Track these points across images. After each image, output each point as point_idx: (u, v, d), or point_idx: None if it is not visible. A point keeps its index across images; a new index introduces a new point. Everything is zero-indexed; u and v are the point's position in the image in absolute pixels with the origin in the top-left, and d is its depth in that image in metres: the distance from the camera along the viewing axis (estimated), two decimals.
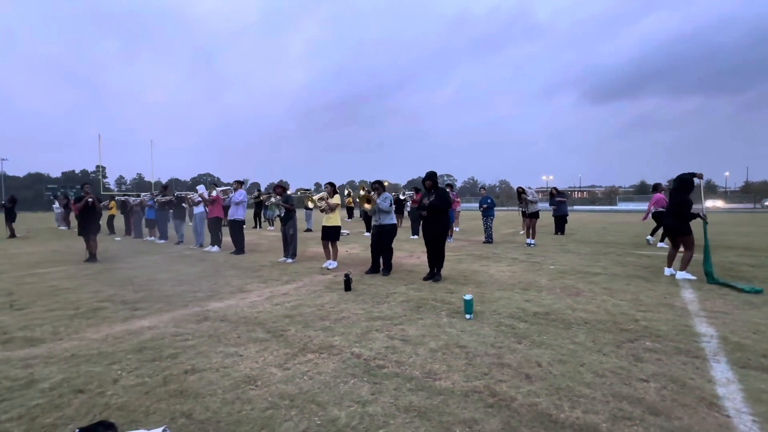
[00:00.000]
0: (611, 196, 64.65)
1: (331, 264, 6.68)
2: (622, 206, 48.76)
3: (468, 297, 3.85)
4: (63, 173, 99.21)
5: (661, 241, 8.98)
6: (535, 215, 9.51)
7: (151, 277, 6.05)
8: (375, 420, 2.09)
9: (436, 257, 5.65)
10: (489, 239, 10.08)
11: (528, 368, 2.70)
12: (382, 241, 6.25)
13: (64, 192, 19.79)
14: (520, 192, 9.83)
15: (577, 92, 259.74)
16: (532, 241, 9.38)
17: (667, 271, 5.69)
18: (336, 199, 6.74)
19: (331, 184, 6.87)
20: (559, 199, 11.81)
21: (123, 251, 9.41)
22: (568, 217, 12.36)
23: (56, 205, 17.90)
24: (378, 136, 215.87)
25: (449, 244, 9.09)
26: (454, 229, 12.64)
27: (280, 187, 7.63)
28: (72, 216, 17.58)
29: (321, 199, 6.64)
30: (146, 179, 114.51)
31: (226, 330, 3.55)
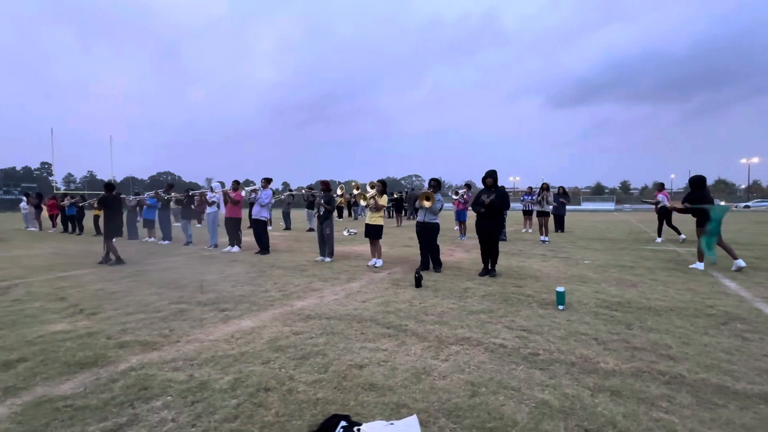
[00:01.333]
0: (575, 196, 68.41)
1: (378, 262, 6.72)
2: (586, 206, 51.84)
3: (561, 289, 4.09)
4: (1, 170, 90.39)
5: (659, 235, 9.77)
6: (548, 213, 10.01)
7: (200, 278, 5.82)
8: (581, 401, 2.25)
9: (491, 253, 5.86)
10: (503, 237, 10.47)
11: (662, 350, 2.96)
12: (429, 238, 6.38)
13: (37, 191, 18.16)
14: (545, 188, 10.28)
15: (541, 98, 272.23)
16: (546, 239, 9.88)
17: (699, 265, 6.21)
18: (383, 200, 6.79)
19: (382, 182, 6.92)
20: (562, 200, 12.47)
21: (135, 253, 8.87)
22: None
23: (24, 204, 16.41)
24: (347, 135, 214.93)
25: (463, 242, 9.34)
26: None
27: (325, 184, 7.52)
28: (42, 215, 16.26)
29: (372, 197, 6.66)
30: (98, 177, 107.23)
31: (341, 327, 3.55)
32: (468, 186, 12.19)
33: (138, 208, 12.04)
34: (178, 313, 4.00)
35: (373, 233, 6.78)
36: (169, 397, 2.31)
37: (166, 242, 10.65)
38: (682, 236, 9.42)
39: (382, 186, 6.87)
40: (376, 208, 6.72)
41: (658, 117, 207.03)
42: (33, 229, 16.00)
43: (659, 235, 9.84)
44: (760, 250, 8.42)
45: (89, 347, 3.07)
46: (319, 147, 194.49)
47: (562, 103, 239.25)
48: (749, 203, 45.66)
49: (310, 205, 15.13)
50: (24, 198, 16.37)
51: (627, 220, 21.14)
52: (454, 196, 10.89)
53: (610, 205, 50.47)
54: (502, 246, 9.35)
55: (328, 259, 7.28)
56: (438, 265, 6.28)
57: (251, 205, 9.38)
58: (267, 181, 8.69)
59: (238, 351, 2.99)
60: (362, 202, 6.74)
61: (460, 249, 9.11)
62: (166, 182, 7.22)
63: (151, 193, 11.18)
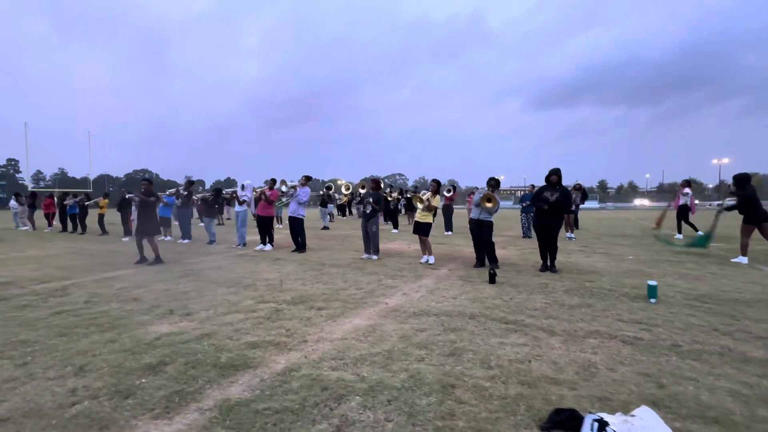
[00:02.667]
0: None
1: (430, 259, 6.71)
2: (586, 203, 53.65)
3: (654, 283, 4.20)
4: None
5: (679, 232, 10.13)
6: (573, 211, 10.23)
7: (263, 277, 5.65)
8: (762, 387, 2.32)
9: (550, 249, 5.95)
10: (528, 234, 10.65)
11: None
12: (483, 235, 6.43)
13: (32, 189, 17.13)
14: (578, 188, 10.49)
15: (523, 99, 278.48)
16: (572, 235, 10.11)
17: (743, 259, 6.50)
18: (436, 201, 6.78)
19: (436, 182, 6.91)
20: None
21: (163, 253, 8.51)
22: None
23: (13, 203, 15.49)
24: (332, 133, 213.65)
25: (498, 240, 9.42)
26: None
27: (376, 183, 7.43)
28: (35, 215, 15.44)
29: (427, 198, 6.64)
30: (70, 175, 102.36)
31: (458, 324, 3.52)
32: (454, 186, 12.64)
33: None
34: (276, 312, 3.88)
35: (423, 230, 6.77)
36: (358, 397, 2.24)
37: (186, 241, 10.29)
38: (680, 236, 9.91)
39: (437, 186, 6.86)
40: (429, 208, 6.70)
41: (632, 119, 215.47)
42: (25, 228, 15.14)
43: (679, 232, 10.21)
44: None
45: (223, 349, 2.93)
46: (303, 145, 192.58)
47: (543, 104, 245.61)
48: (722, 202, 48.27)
49: (324, 203, 14.95)
50: (13, 197, 15.45)
51: (626, 218, 21.88)
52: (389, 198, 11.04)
53: (595, 204, 52.23)
54: (528, 242, 9.48)
55: (374, 257, 7.22)
56: (494, 261, 6.33)
57: (256, 201, 9.21)
58: (306, 179, 8.53)
59: (381, 349, 2.92)
60: (419, 205, 6.71)
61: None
62: (144, 179, 6.93)
63: (173, 190, 10.77)
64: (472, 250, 8.25)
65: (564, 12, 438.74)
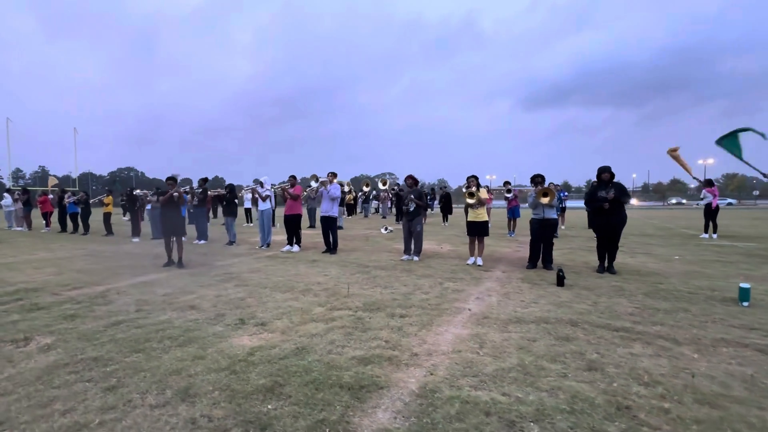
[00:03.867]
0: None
1: (479, 260, 6.45)
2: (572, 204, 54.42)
3: (746, 285, 4.02)
4: None
5: (714, 232, 10.08)
6: None
7: (314, 281, 5.31)
8: None
9: (612, 249, 5.76)
10: (556, 234, 10.48)
11: None
12: (547, 235, 6.19)
13: (23, 186, 16.25)
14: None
15: (513, 99, 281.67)
16: None
17: None
18: (484, 193, 6.50)
19: (475, 177, 6.63)
20: None
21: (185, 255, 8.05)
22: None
23: (6, 201, 14.65)
24: (321, 132, 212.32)
25: (514, 238, 9.09)
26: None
27: (413, 179, 7.10)
28: (33, 214, 14.68)
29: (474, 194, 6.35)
30: (51, 173, 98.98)
31: (565, 332, 3.26)
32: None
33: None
34: (360, 321, 3.56)
35: (483, 230, 6.45)
36: (534, 424, 1.95)
37: (202, 242, 9.80)
38: (706, 235, 9.93)
39: (477, 180, 6.58)
40: (480, 203, 6.42)
41: (618, 120, 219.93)
42: (19, 228, 14.34)
43: (705, 231, 10.19)
44: None
45: (334, 366, 2.60)
46: (292, 143, 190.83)
47: (532, 104, 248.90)
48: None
49: (342, 203, 14.55)
50: (6, 195, 14.62)
51: (636, 218, 22.01)
52: (507, 195, 10.78)
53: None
54: (566, 242, 9.40)
55: (416, 258, 6.92)
56: (550, 263, 6.11)
57: (254, 200, 8.80)
58: (333, 175, 8.16)
59: (510, 363, 2.64)
60: (470, 200, 6.41)
61: (516, 244, 8.97)
62: (169, 178, 6.45)
63: (186, 188, 10.23)
64: (508, 249, 8.05)
65: (555, 15, 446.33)
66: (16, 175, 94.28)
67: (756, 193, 61.23)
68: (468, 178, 6.56)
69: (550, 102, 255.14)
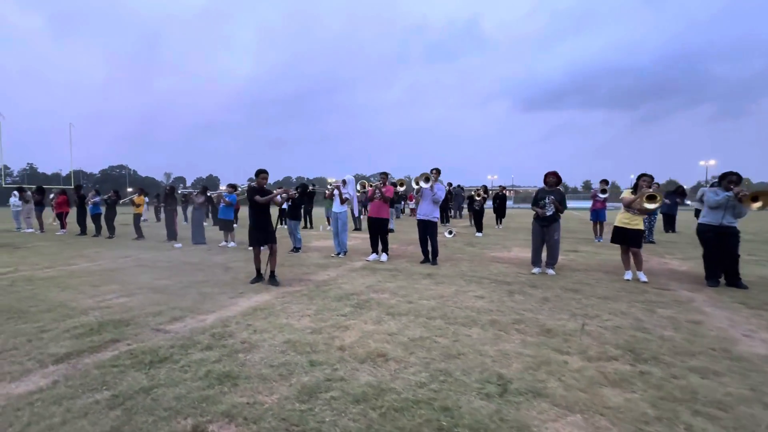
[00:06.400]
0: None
1: (641, 276, 5.31)
2: (571, 204, 53.74)
3: None
4: None
5: None
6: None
7: (472, 306, 4.13)
8: None
9: (731, 260, 4.90)
10: (651, 238, 9.43)
11: None
12: (729, 245, 5.09)
13: (39, 186, 14.72)
14: (681, 192, 9.34)
15: (512, 100, 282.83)
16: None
17: None
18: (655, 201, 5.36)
19: (651, 178, 5.50)
20: (678, 200, 11.65)
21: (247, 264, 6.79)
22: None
23: (15, 199, 13.12)
24: (320, 131, 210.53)
25: (602, 243, 8.09)
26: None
27: (555, 176, 5.86)
28: (41, 214, 13.22)
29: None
30: (40, 171, 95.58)
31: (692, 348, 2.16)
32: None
33: (209, 206, 9.70)
34: (547, 362, 2.40)
35: (636, 240, 5.31)
36: None
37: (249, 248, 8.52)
38: None
39: (652, 179, 5.43)
40: (643, 211, 5.26)
41: (611, 122, 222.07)
42: (29, 230, 12.85)
43: None
44: None
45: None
46: (290, 143, 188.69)
47: (530, 106, 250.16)
48: None
49: (392, 202, 13.35)
50: (16, 194, 13.09)
51: None
52: (601, 195, 9.69)
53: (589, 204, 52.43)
54: (655, 248, 8.20)
55: (550, 272, 5.77)
56: (739, 279, 5.00)
57: (368, 199, 7.74)
58: (385, 175, 7.04)
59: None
60: (652, 206, 5.22)
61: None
62: (261, 170, 5.28)
63: (244, 185, 8.91)
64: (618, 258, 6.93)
65: (555, 19, 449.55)
66: (3, 172, 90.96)
67: None
68: (642, 177, 5.34)
69: (547, 103, 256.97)
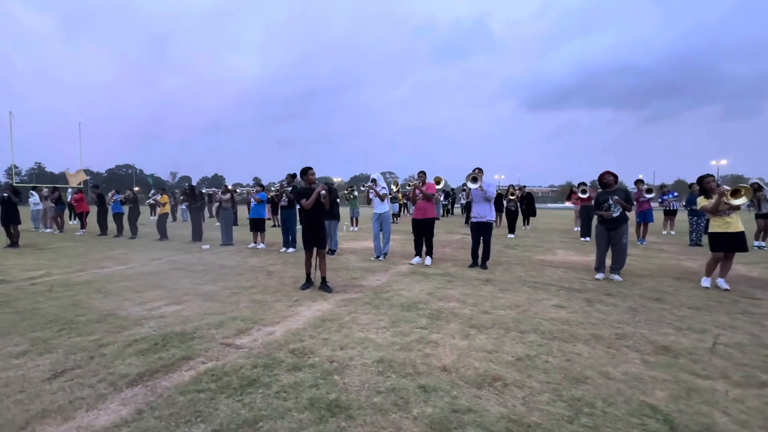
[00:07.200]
0: (563, 195, 69.71)
1: (721, 282, 4.92)
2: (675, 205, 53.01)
3: None
4: None
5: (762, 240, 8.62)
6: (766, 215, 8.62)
7: (552, 317, 3.77)
8: None
9: None
10: (698, 241, 9.01)
11: None
12: (740, 245, 4.75)
13: (53, 186, 14.50)
14: (758, 188, 8.87)
15: (518, 100, 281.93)
16: (763, 244, 8.52)
17: None
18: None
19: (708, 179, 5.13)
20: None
21: (293, 267, 6.45)
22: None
23: (35, 199, 12.90)
24: (324, 131, 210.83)
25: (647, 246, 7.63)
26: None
27: (612, 175, 5.47)
28: (60, 214, 13.00)
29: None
30: (48, 170, 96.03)
31: None
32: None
33: (233, 205, 9.39)
34: (695, 390, 2.03)
35: (741, 244, 4.82)
36: None
37: (291, 250, 8.21)
38: None
39: (713, 177, 5.05)
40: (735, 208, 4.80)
41: (617, 122, 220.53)
42: (48, 230, 12.63)
43: (757, 240, 8.74)
44: None
45: None
46: (294, 142, 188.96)
47: (536, 105, 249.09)
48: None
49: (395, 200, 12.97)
50: (34, 193, 12.86)
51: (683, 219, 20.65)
52: (648, 195, 9.28)
53: None
54: (705, 251, 7.74)
55: (617, 278, 5.40)
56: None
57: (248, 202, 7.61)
58: (481, 171, 6.62)
59: None
60: (738, 201, 4.81)
61: (653, 252, 7.49)
62: (307, 167, 4.82)
63: (279, 185, 8.57)
64: (694, 263, 6.52)
65: (564, 18, 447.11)
66: (12, 171, 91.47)
67: None
68: (705, 179, 4.98)
69: (554, 103, 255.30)
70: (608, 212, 5.37)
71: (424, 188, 6.66)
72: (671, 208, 11.68)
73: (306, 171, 5.07)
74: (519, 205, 13.66)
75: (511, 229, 11.21)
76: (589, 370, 2.63)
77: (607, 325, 3.53)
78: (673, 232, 11.76)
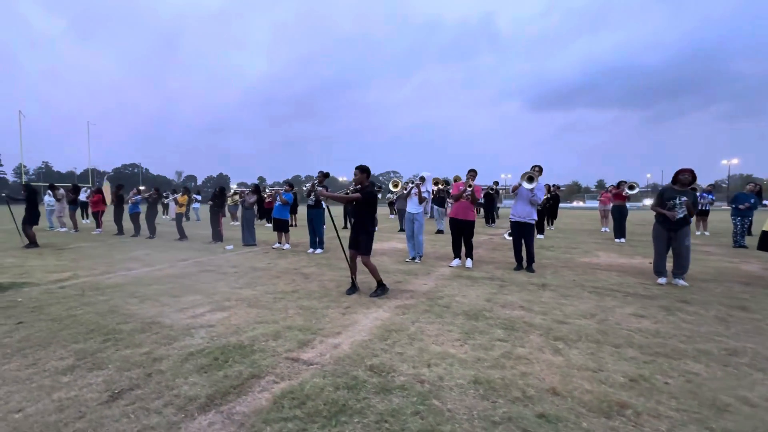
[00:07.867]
0: (572, 195, 69.09)
1: None
2: (589, 203, 52.24)
3: None
4: None
5: None
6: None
7: (636, 328, 3.42)
8: None
9: None
10: (742, 243, 8.61)
11: None
12: None
13: (74, 184, 14.28)
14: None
15: (522, 99, 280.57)
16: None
17: None
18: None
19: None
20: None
21: (329, 269, 6.12)
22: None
23: (49, 198, 12.67)
24: (328, 130, 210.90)
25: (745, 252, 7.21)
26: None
27: (691, 173, 5.13)
28: (76, 213, 12.74)
29: None
30: (55, 169, 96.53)
31: None
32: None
33: (258, 205, 9.08)
34: None
35: None
36: None
37: (319, 251, 7.89)
38: None
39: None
40: None
41: (622, 122, 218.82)
42: (63, 230, 12.39)
43: None
44: None
45: None
46: (298, 142, 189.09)
47: (541, 105, 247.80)
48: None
49: (441, 202, 12.63)
50: (50, 192, 12.63)
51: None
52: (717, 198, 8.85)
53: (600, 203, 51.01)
54: (751, 253, 7.31)
55: (682, 282, 5.03)
56: None
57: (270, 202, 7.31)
58: (540, 170, 6.28)
59: None
60: None
61: (700, 255, 7.08)
62: (360, 165, 4.48)
63: (310, 184, 8.22)
64: (751, 265, 6.08)
65: (570, 17, 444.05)
66: (19, 170, 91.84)
67: None
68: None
69: (559, 102, 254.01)
70: (673, 212, 5.00)
71: (474, 189, 6.27)
72: (704, 209, 11.24)
73: (364, 170, 4.68)
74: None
75: (540, 229, 10.83)
76: (722, 394, 2.29)
77: (705, 339, 3.18)
78: (707, 233, 11.33)
